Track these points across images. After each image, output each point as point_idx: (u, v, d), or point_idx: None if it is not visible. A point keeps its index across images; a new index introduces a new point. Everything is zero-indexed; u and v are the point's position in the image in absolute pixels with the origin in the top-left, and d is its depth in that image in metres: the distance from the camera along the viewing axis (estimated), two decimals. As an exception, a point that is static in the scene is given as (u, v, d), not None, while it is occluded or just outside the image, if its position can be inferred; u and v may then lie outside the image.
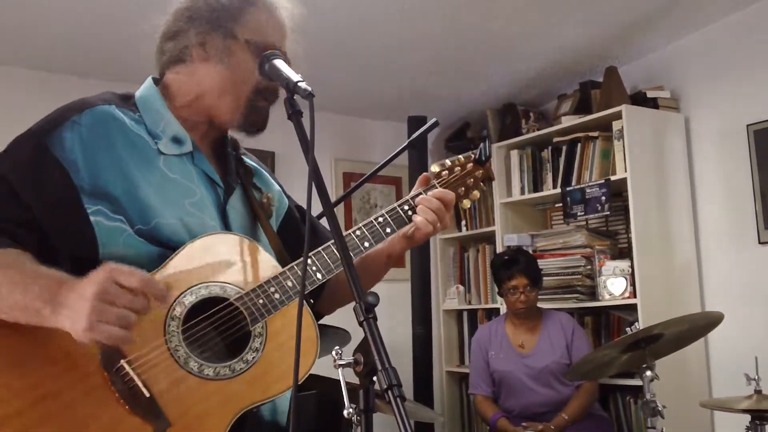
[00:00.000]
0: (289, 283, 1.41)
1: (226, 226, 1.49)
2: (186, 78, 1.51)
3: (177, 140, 1.47)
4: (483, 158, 1.68)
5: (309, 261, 1.43)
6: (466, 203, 1.67)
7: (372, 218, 1.54)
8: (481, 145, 1.69)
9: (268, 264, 1.45)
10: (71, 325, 1.19)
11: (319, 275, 1.45)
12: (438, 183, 1.63)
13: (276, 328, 1.40)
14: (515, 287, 3.59)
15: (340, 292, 1.69)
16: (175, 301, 1.34)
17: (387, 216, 1.55)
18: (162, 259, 1.36)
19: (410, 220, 1.56)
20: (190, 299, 1.35)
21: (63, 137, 1.36)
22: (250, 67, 1.46)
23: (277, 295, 1.40)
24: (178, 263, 1.36)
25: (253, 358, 1.37)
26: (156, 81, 1.54)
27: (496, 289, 3.85)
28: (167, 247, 1.38)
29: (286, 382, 1.38)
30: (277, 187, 1.71)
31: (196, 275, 1.37)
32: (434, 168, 1.65)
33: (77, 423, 1.26)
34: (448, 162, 1.66)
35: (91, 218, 1.34)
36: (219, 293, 1.38)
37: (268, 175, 1.71)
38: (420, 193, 1.59)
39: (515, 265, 3.60)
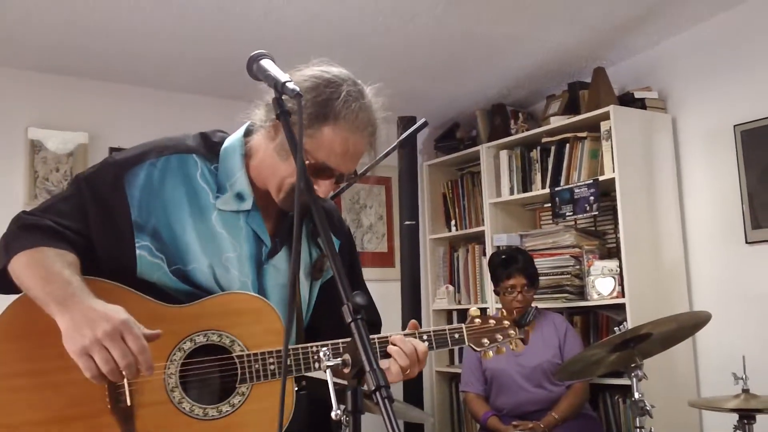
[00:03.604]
0: (288, 362, 1.49)
1: (259, 282, 1.60)
2: (260, 144, 1.60)
3: (240, 196, 1.59)
4: (523, 321, 1.73)
5: (314, 350, 1.53)
6: (489, 354, 1.70)
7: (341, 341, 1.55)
8: (531, 310, 1.75)
9: (278, 336, 1.53)
10: (65, 332, 1.33)
11: (317, 365, 1.51)
12: (466, 325, 1.68)
13: (259, 394, 1.50)
14: (513, 286, 3.56)
15: None
16: (188, 336, 1.48)
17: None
18: (190, 297, 1.52)
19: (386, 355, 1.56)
20: (201, 340, 1.49)
21: (137, 175, 1.53)
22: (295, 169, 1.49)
23: (272, 367, 1.51)
24: (208, 306, 1.51)
25: (227, 411, 1.49)
26: (249, 129, 1.64)
27: (491, 287, 3.82)
28: (197, 288, 1.53)
29: None
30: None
31: (215, 322, 1.50)
32: (472, 311, 1.71)
33: (62, 401, 1.40)
34: (491, 315, 1.72)
35: (137, 251, 1.51)
36: (227, 344, 1.50)
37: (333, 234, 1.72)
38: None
39: (514, 264, 3.57)
